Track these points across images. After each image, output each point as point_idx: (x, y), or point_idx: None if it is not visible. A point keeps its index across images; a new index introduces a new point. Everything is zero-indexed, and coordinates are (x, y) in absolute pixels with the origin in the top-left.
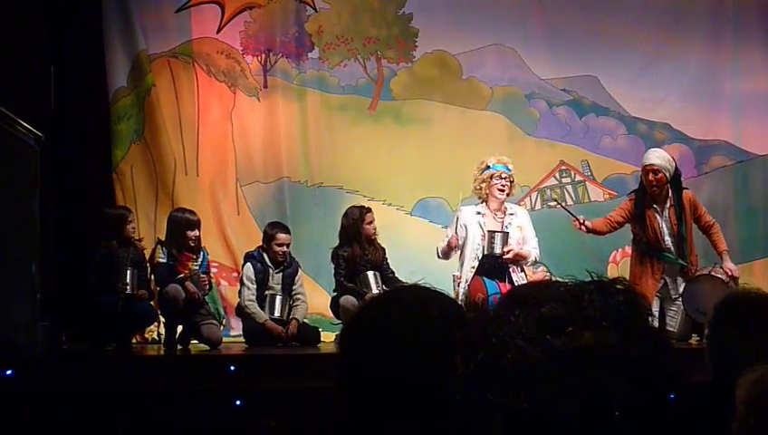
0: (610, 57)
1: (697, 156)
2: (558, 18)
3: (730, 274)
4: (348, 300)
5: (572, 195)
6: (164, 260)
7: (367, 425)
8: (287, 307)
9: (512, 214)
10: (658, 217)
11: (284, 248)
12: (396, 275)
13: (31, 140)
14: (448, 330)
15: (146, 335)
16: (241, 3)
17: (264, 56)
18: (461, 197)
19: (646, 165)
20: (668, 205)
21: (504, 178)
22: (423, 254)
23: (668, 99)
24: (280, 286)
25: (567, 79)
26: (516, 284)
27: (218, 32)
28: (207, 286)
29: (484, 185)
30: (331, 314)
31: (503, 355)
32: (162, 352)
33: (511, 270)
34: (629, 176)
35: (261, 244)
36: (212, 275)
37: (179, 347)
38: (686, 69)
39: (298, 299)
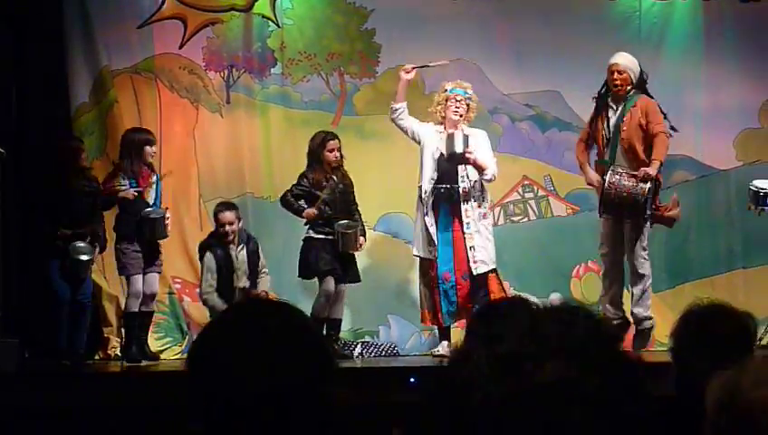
0: (573, 72)
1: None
2: (520, 33)
3: (642, 174)
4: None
5: (535, 210)
6: (126, 187)
7: None
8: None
9: (467, 135)
10: (612, 117)
11: (233, 227)
12: (359, 214)
13: None
14: (293, 339)
15: (108, 352)
16: (203, 18)
17: (226, 72)
18: None
19: (611, 64)
20: (622, 107)
21: (460, 101)
22: (387, 268)
23: None
24: (246, 264)
25: (530, 94)
26: (466, 224)
27: (181, 47)
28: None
29: (439, 108)
30: None
31: (469, 397)
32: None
33: (463, 210)
34: (592, 190)
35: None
36: (174, 290)
37: (142, 362)
38: (649, 83)
39: (262, 273)
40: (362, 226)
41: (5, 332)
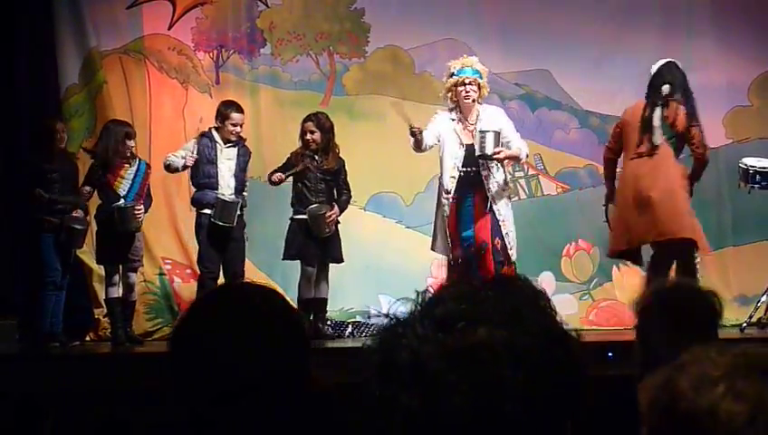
0: (563, 51)
1: None
2: (510, 12)
3: None
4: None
5: (525, 189)
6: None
7: (205, 422)
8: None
9: (482, 119)
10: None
11: (237, 129)
12: (349, 192)
13: None
14: (273, 323)
15: (99, 333)
16: None
17: (215, 52)
18: (414, 193)
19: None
20: None
21: (470, 84)
22: (378, 248)
23: (621, 92)
24: (233, 161)
25: (520, 73)
26: (497, 211)
27: (170, 28)
28: (141, 220)
29: (450, 94)
30: None
31: (397, 355)
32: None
33: (489, 196)
34: (582, 169)
35: (214, 124)
36: (165, 271)
37: (127, 344)
38: (639, 62)
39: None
40: (345, 200)
41: (1, 312)
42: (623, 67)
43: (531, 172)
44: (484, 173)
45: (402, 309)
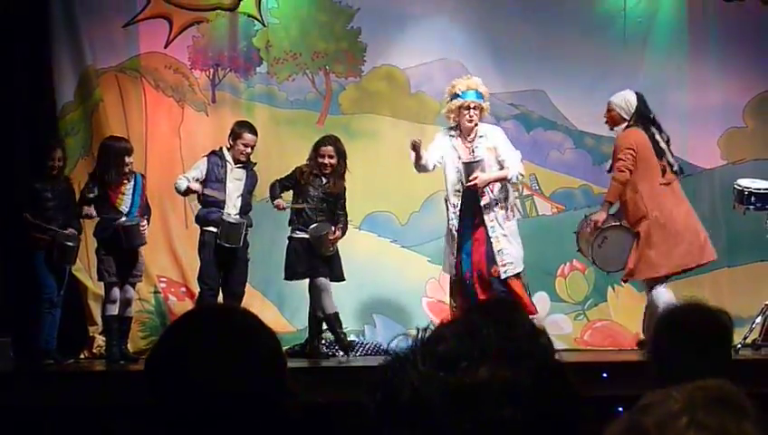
0: (558, 71)
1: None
2: (505, 32)
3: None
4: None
5: (520, 209)
6: (93, 195)
7: None
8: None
9: (481, 136)
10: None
11: (248, 150)
12: (345, 219)
13: None
14: (249, 344)
15: (94, 351)
16: (189, 17)
17: (212, 71)
18: (410, 212)
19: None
20: None
21: (473, 109)
22: (372, 268)
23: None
24: (242, 182)
25: (515, 93)
26: (490, 228)
27: (166, 46)
28: (146, 235)
29: (452, 115)
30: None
31: (399, 392)
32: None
33: (485, 214)
34: (577, 189)
35: (226, 144)
36: (160, 289)
37: (122, 362)
38: (634, 81)
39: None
40: (342, 226)
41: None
42: (619, 88)
43: (526, 192)
44: (482, 191)
45: (403, 345)
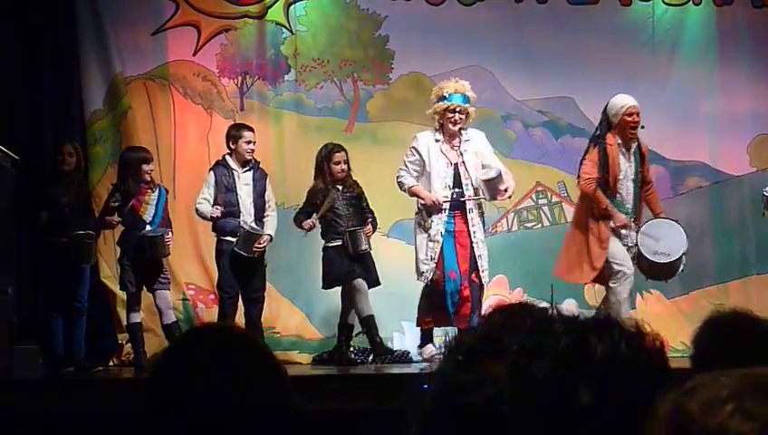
0: (587, 78)
1: (673, 176)
2: (534, 39)
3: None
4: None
5: (549, 216)
6: (117, 204)
7: None
8: (259, 211)
9: (467, 140)
10: (624, 160)
11: (252, 146)
12: (374, 218)
13: (7, 162)
14: (248, 362)
15: (122, 358)
16: (217, 25)
17: (240, 79)
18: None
19: (629, 106)
20: (633, 150)
21: (459, 112)
22: (401, 275)
23: (644, 119)
24: (251, 186)
25: (543, 100)
26: (473, 233)
27: (195, 54)
28: (170, 245)
29: (437, 116)
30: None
31: (468, 397)
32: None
33: (469, 217)
34: None
35: (226, 150)
36: (188, 297)
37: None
38: (663, 89)
39: (268, 209)
40: (371, 221)
41: (23, 338)
42: (647, 95)
43: (554, 199)
44: (468, 194)
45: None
